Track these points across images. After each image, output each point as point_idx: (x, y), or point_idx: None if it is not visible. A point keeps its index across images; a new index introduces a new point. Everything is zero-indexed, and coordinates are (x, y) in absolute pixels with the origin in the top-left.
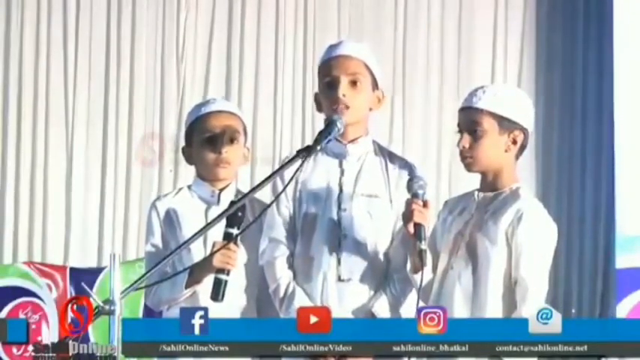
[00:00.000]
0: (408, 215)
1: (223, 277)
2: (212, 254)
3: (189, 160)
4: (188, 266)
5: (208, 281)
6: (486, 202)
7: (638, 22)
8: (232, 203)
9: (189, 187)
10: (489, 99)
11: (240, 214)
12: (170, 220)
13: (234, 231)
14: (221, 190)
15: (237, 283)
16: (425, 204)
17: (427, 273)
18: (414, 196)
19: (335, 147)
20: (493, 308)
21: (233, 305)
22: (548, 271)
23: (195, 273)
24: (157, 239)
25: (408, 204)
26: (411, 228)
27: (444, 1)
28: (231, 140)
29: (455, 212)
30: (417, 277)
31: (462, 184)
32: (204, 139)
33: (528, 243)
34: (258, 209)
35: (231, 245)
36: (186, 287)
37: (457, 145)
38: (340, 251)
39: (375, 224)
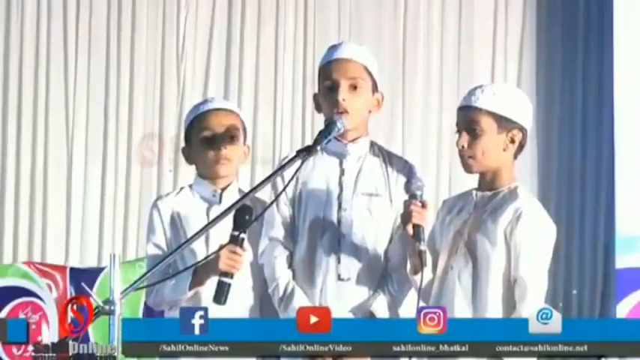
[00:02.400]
0: (406, 216)
1: (227, 280)
2: (215, 253)
3: (189, 159)
4: (189, 266)
5: (210, 283)
6: (485, 202)
7: (638, 22)
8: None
9: (190, 186)
10: (488, 98)
11: (247, 217)
12: (172, 220)
13: (242, 234)
14: (223, 189)
15: (243, 282)
16: (423, 205)
17: (427, 273)
18: (412, 197)
19: (335, 147)
20: (493, 307)
21: (237, 304)
22: (547, 270)
23: (199, 275)
24: (159, 239)
25: (407, 205)
26: (409, 229)
27: (444, 1)
28: (231, 138)
29: (453, 212)
30: (417, 278)
31: (462, 184)
32: (203, 137)
33: (527, 242)
34: (261, 210)
35: (238, 249)
36: (189, 289)
37: (456, 144)
38: (340, 251)
39: (376, 223)
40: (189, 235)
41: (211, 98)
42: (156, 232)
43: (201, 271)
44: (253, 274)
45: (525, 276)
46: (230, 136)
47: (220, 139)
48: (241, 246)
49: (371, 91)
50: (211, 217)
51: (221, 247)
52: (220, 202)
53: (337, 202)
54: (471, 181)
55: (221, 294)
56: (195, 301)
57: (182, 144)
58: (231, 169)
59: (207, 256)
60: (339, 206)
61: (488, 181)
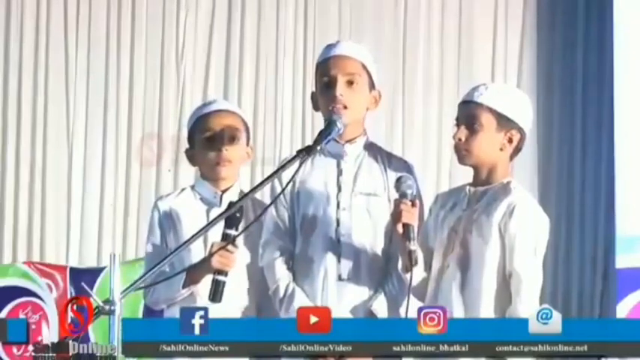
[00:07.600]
0: (396, 215)
1: (222, 278)
2: (211, 255)
3: (193, 161)
4: (184, 268)
5: (205, 281)
6: (478, 197)
7: (639, 21)
8: (231, 204)
9: (192, 187)
10: (491, 95)
11: (238, 214)
12: (171, 221)
13: (233, 232)
14: (224, 191)
15: (240, 283)
16: (413, 204)
17: (420, 272)
18: (402, 196)
19: (332, 147)
20: (488, 303)
21: (234, 306)
22: (541, 263)
23: (193, 273)
24: (158, 239)
25: (396, 204)
26: (399, 228)
27: (444, 1)
28: (232, 138)
29: (447, 207)
30: (409, 276)
31: (462, 183)
32: (204, 138)
33: (521, 236)
34: (259, 209)
35: (230, 247)
36: (183, 287)
37: (453, 137)
38: (340, 251)
39: (374, 223)
40: (187, 237)
41: (213, 99)
42: (155, 232)
43: (194, 270)
44: (249, 275)
45: (520, 269)
46: (231, 136)
47: (221, 139)
48: (234, 244)
49: (368, 88)
50: (211, 219)
51: (215, 251)
52: (221, 204)
53: (336, 202)
54: (471, 180)
55: (216, 292)
56: (191, 299)
57: (185, 145)
58: (233, 170)
59: (209, 256)
60: (337, 206)
61: (482, 179)
